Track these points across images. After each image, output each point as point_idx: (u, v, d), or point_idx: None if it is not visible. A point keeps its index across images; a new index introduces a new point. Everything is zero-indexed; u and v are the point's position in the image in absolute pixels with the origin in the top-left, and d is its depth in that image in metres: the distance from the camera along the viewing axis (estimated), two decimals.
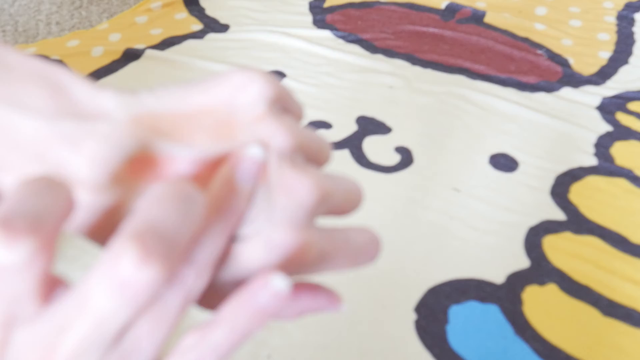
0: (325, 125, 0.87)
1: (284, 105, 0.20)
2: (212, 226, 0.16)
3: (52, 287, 0.15)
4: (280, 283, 0.16)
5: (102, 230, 0.18)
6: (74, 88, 0.18)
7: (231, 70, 0.20)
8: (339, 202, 0.20)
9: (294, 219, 0.18)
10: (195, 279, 0.16)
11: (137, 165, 0.17)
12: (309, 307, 0.20)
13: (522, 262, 0.68)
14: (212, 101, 0.19)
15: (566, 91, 0.96)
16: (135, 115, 0.18)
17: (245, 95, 0.19)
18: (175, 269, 0.15)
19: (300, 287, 0.20)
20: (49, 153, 0.17)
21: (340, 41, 1.07)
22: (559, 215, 0.74)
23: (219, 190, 0.17)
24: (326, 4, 1.20)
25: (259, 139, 0.18)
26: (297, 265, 0.19)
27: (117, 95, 0.18)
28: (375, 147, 0.83)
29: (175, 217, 0.15)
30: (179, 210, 0.15)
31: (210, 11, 1.17)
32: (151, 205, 0.15)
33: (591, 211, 0.75)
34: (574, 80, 0.99)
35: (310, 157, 0.20)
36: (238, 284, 0.18)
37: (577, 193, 0.77)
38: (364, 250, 0.22)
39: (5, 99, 0.17)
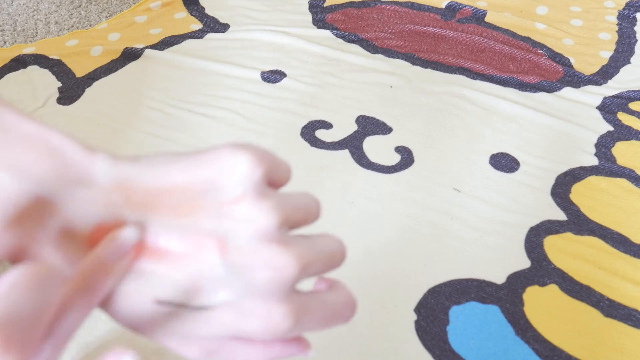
0: (326, 125, 0.87)
1: (270, 177, 0.20)
2: (75, 301, 0.17)
3: None
4: (129, 233, 0.18)
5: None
6: (67, 152, 0.19)
7: (219, 149, 0.20)
8: (320, 267, 0.21)
9: (276, 290, 0.19)
10: (53, 352, 0.17)
11: (103, 228, 0.18)
12: (281, 354, 0.21)
13: (523, 262, 0.67)
14: (192, 180, 0.19)
15: (567, 91, 0.96)
16: (116, 183, 0.19)
17: (231, 177, 0.19)
18: (34, 349, 0.16)
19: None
20: (27, 215, 0.18)
21: (340, 41, 1.07)
22: (559, 215, 0.73)
23: (87, 267, 0.18)
24: (326, 4, 1.20)
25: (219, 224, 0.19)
26: (274, 335, 0.20)
27: (106, 161, 0.19)
28: (376, 147, 0.83)
29: (32, 302, 0.15)
30: (35, 295, 0.15)
31: (209, 10, 1.17)
32: (10, 291, 0.15)
33: (592, 211, 0.74)
34: (575, 80, 0.99)
35: (296, 224, 0.21)
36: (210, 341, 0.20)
37: (578, 193, 0.77)
38: (340, 313, 0.22)
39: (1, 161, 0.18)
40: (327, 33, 1.09)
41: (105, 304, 0.19)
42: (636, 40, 1.11)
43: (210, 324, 0.19)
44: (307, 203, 0.21)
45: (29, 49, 1.01)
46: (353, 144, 0.83)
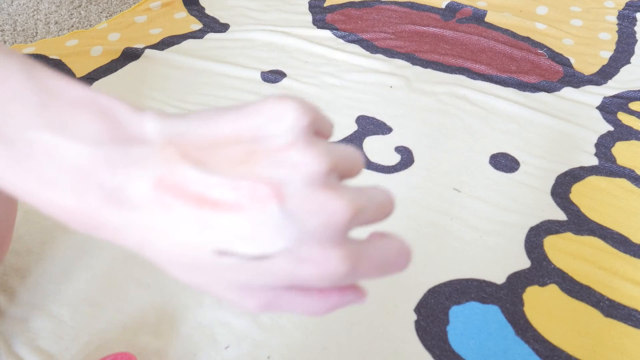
0: None
1: (316, 128, 0.21)
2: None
3: None
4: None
5: None
6: (117, 113, 0.19)
7: (266, 99, 0.20)
8: (372, 215, 0.21)
9: (331, 236, 0.19)
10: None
11: (160, 184, 0.19)
12: (338, 302, 0.22)
13: (523, 262, 0.67)
14: (242, 129, 0.20)
15: (567, 91, 0.96)
16: (169, 138, 0.19)
17: (280, 124, 0.20)
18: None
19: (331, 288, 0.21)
20: (90, 175, 0.18)
21: (340, 41, 1.07)
22: (559, 215, 0.73)
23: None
24: (326, 4, 1.20)
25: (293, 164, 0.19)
26: (330, 281, 0.20)
27: (155, 119, 0.20)
28: (376, 147, 0.83)
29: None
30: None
31: (209, 10, 1.17)
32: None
33: (592, 211, 0.74)
34: (575, 80, 0.99)
35: (343, 173, 0.21)
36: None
37: (578, 193, 0.77)
38: (394, 261, 0.22)
39: (52, 125, 0.19)
40: (327, 33, 1.09)
41: (164, 258, 0.19)
42: (636, 40, 1.11)
43: (268, 274, 0.19)
44: (351, 153, 0.22)
45: (29, 49, 1.01)
46: (353, 144, 0.83)
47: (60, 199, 0.19)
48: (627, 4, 1.22)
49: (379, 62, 1.01)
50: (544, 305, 0.63)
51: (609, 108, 0.92)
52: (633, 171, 0.81)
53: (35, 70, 0.20)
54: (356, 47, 1.05)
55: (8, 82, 0.19)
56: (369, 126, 0.87)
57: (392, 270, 0.22)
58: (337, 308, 0.21)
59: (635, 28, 1.15)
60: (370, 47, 1.06)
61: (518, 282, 0.65)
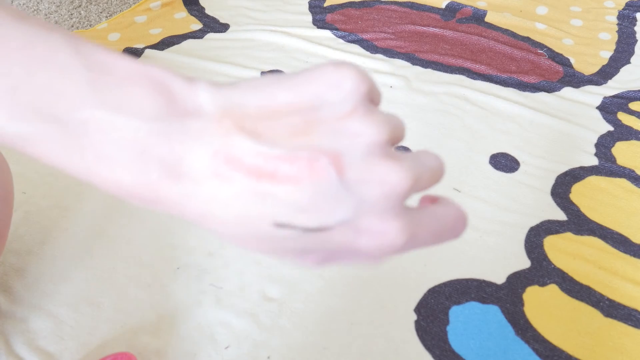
0: None
1: (371, 96, 0.21)
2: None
3: None
4: None
5: None
6: (171, 85, 0.19)
7: (321, 66, 0.20)
8: (427, 182, 0.21)
9: (390, 206, 0.19)
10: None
11: (219, 157, 0.18)
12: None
13: (523, 262, 0.67)
14: (299, 98, 0.19)
15: (567, 91, 0.96)
16: (224, 110, 0.19)
17: (337, 93, 0.19)
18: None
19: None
20: (149, 151, 0.18)
21: (340, 41, 1.07)
22: (559, 215, 0.73)
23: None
24: (326, 4, 1.20)
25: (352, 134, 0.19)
26: (388, 252, 0.20)
27: (208, 90, 0.19)
28: None
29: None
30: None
31: (209, 10, 1.17)
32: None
33: (592, 211, 0.74)
34: (575, 80, 0.99)
35: (394, 140, 0.21)
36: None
37: (578, 193, 0.77)
38: (451, 227, 0.22)
39: (106, 102, 0.18)
40: (327, 33, 1.09)
41: (224, 230, 0.19)
42: (636, 40, 1.11)
43: (326, 243, 0.19)
44: (400, 120, 0.22)
45: None
46: None
47: (120, 176, 0.18)
48: (627, 4, 1.22)
49: (379, 62, 1.01)
50: (544, 305, 0.63)
51: (609, 108, 0.92)
52: (633, 171, 0.81)
53: (82, 44, 0.19)
54: (356, 47, 1.05)
55: (55, 58, 0.18)
56: None
57: (448, 237, 0.22)
58: (393, 253, 0.21)
59: (635, 28, 1.15)
60: (370, 47, 1.06)
61: (518, 282, 0.65)
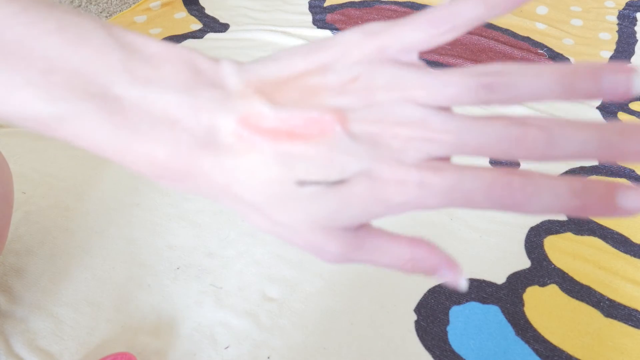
0: None
1: (384, 52, 0.22)
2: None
3: None
4: None
5: None
6: (197, 62, 0.20)
7: (340, 33, 0.21)
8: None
9: (408, 156, 0.20)
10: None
11: (243, 123, 0.20)
12: (426, 259, 0.21)
13: (523, 262, 0.67)
14: (314, 63, 0.21)
15: None
16: (246, 80, 0.20)
17: (348, 56, 0.21)
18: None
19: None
20: (180, 123, 0.19)
21: None
22: (559, 215, 0.73)
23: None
24: (326, 4, 1.20)
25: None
26: (416, 203, 0.20)
27: (232, 66, 0.21)
28: None
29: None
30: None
31: (209, 10, 1.17)
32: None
33: None
34: None
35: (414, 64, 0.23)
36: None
37: None
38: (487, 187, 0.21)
39: (138, 78, 0.19)
40: (327, 33, 1.09)
41: (250, 199, 0.20)
42: (636, 40, 1.11)
43: (350, 203, 0.20)
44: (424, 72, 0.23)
45: None
46: None
47: (153, 150, 0.19)
48: (627, 4, 1.22)
49: None
50: (544, 306, 0.63)
51: (609, 108, 0.92)
52: (633, 171, 0.81)
53: (113, 27, 0.20)
54: None
55: (90, 40, 0.19)
56: None
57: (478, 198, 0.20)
58: (425, 264, 0.21)
59: (636, 28, 1.15)
60: None
61: (518, 282, 0.65)
